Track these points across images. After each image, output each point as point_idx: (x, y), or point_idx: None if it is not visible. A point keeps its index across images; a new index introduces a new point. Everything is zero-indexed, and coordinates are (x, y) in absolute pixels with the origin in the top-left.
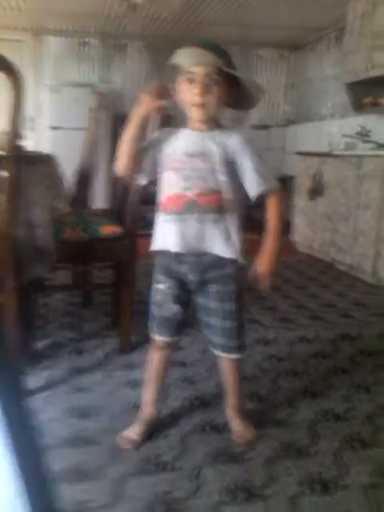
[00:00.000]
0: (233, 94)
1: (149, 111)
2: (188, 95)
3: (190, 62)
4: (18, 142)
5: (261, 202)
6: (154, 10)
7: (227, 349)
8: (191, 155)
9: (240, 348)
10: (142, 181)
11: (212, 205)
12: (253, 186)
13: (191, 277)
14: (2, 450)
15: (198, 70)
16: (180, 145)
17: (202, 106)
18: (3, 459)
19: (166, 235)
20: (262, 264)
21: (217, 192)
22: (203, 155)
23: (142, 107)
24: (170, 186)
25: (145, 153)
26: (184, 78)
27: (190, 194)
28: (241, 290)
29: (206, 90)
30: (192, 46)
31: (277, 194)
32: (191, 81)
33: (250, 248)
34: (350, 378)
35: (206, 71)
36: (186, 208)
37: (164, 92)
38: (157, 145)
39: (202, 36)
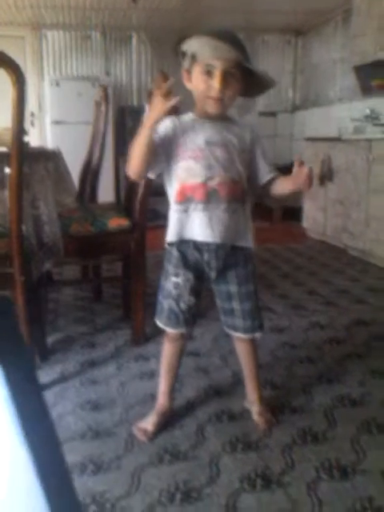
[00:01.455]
0: (244, 82)
1: (163, 115)
2: (204, 87)
3: (212, 54)
4: (22, 137)
5: (265, 192)
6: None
7: (250, 329)
8: (212, 144)
9: (261, 326)
10: (153, 175)
11: (233, 194)
12: (264, 173)
13: (214, 264)
14: (18, 444)
15: (218, 64)
16: (198, 134)
17: (220, 100)
18: (19, 453)
19: (189, 224)
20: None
21: (237, 182)
22: (224, 145)
23: (156, 112)
24: (191, 175)
25: (157, 150)
26: (202, 69)
27: (211, 183)
28: (255, 271)
29: (224, 85)
30: (212, 37)
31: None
32: (210, 73)
33: (260, 235)
34: (365, 363)
35: (227, 66)
36: (209, 197)
37: (172, 89)
38: (169, 137)
39: (207, 25)
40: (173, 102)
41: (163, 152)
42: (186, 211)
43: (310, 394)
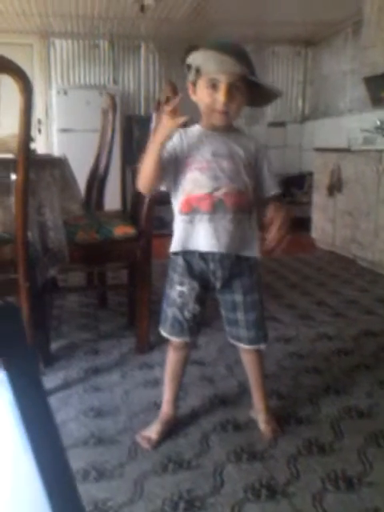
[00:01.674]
0: (250, 93)
1: (171, 133)
2: (210, 100)
3: (217, 68)
4: (28, 145)
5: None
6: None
7: (255, 340)
8: (218, 156)
9: (265, 337)
10: (162, 188)
11: (239, 205)
12: (269, 187)
13: (219, 274)
14: (22, 448)
15: (224, 78)
16: (205, 146)
17: (226, 113)
18: (24, 457)
19: (194, 235)
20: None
21: (242, 192)
22: (230, 157)
23: (164, 130)
24: (197, 186)
25: (166, 165)
26: (208, 82)
27: (217, 193)
28: (260, 281)
29: (229, 98)
30: (217, 50)
31: (281, 199)
32: (215, 87)
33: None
34: (373, 374)
35: (232, 79)
36: (216, 208)
37: (178, 107)
38: (177, 151)
39: (216, 36)
40: (181, 120)
41: (172, 166)
42: (191, 222)
43: (316, 404)
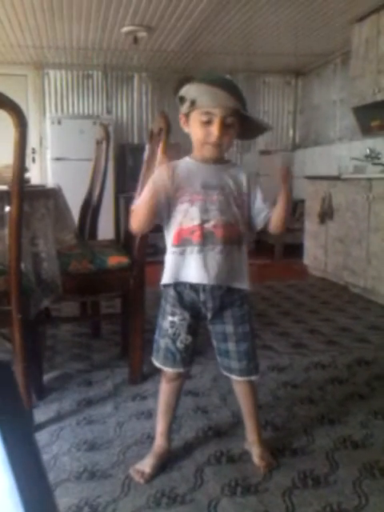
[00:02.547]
0: (241, 126)
1: (165, 190)
2: (204, 133)
3: (211, 102)
4: (23, 177)
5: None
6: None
7: (245, 372)
8: (209, 188)
9: (256, 368)
10: (158, 222)
11: (228, 236)
12: (262, 214)
13: (210, 304)
14: (9, 489)
15: (219, 112)
16: (195, 178)
17: (219, 146)
18: (10, 498)
19: (185, 267)
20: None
21: (232, 224)
22: (220, 188)
23: (159, 187)
24: (187, 218)
25: (159, 204)
26: (202, 116)
27: (207, 225)
28: (251, 312)
29: (223, 132)
30: (211, 84)
31: None
32: (209, 120)
33: (261, 272)
34: (368, 403)
35: (225, 114)
36: (205, 240)
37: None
38: (168, 188)
39: (207, 66)
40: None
41: (164, 202)
42: (182, 254)
43: (311, 435)
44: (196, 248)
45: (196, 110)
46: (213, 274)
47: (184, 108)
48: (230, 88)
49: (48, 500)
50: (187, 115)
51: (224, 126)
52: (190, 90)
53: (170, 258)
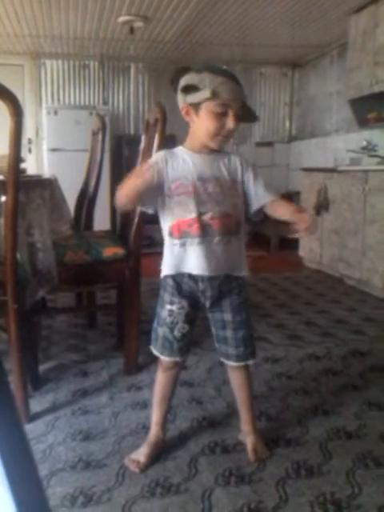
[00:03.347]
0: None
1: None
2: (217, 125)
3: (230, 95)
4: (18, 167)
5: (262, 218)
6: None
7: (242, 357)
8: (204, 180)
9: (253, 354)
10: (149, 210)
11: (226, 227)
12: (261, 196)
13: (209, 293)
14: (6, 502)
15: (235, 104)
16: (190, 169)
17: (229, 138)
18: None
19: (186, 259)
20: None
21: (229, 215)
22: (216, 179)
23: (156, 165)
24: (184, 210)
25: (151, 191)
26: (217, 108)
27: (205, 217)
28: (247, 299)
29: (236, 124)
30: (227, 77)
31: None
32: (223, 113)
33: (257, 264)
34: (362, 395)
35: (239, 106)
36: (204, 231)
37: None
38: (161, 174)
39: (204, 56)
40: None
41: (157, 189)
42: (183, 245)
43: (305, 426)
44: (196, 240)
45: (211, 102)
46: (213, 264)
47: (197, 97)
48: (238, 81)
49: (38, 493)
50: (196, 105)
51: (236, 118)
52: (205, 80)
53: (170, 250)
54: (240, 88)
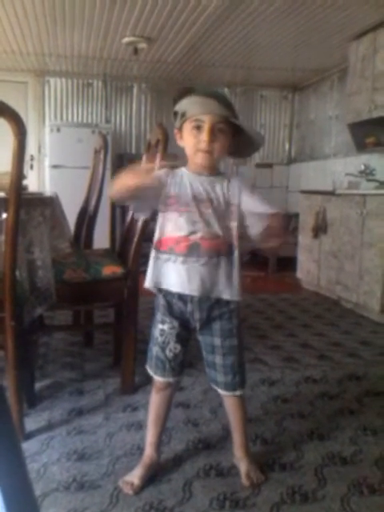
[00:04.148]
0: (235, 142)
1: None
2: (195, 141)
3: (199, 110)
4: (20, 185)
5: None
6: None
7: (230, 386)
8: (198, 200)
9: (242, 384)
10: (141, 216)
11: (215, 249)
12: (258, 223)
13: (197, 315)
14: None
15: (207, 119)
16: (187, 189)
17: (209, 152)
18: None
19: (166, 274)
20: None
21: (220, 236)
22: (210, 200)
23: (157, 176)
24: (175, 228)
25: (147, 191)
26: (192, 125)
27: (194, 237)
28: (240, 325)
29: (212, 138)
30: (200, 95)
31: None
32: (199, 128)
33: (254, 284)
34: (357, 419)
35: (213, 120)
36: (190, 251)
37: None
38: (162, 185)
39: (206, 78)
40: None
41: (153, 197)
42: (166, 261)
43: (300, 450)
44: (180, 258)
45: (188, 121)
46: (195, 285)
47: (177, 122)
48: (220, 97)
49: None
50: (180, 129)
51: (214, 133)
52: (181, 105)
53: (153, 263)
54: (216, 103)
